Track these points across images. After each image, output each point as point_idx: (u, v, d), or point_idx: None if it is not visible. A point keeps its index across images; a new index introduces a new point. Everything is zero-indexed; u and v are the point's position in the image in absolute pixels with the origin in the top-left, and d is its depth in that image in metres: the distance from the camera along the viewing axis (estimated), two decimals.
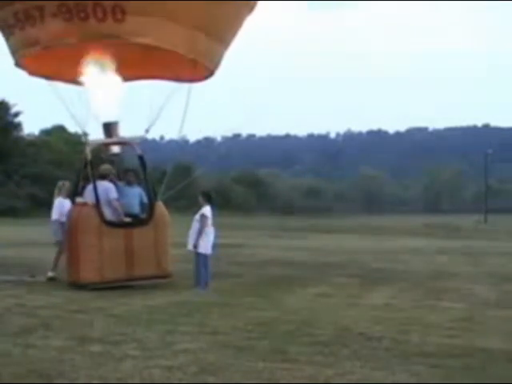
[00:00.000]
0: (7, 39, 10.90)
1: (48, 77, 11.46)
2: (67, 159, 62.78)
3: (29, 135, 66.08)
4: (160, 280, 11.01)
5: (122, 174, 11.81)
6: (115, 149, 11.45)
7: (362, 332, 7.28)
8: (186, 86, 11.01)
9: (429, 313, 8.76)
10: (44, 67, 11.34)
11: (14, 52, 10.92)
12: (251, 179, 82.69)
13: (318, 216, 64.36)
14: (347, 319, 8.10)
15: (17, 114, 61.87)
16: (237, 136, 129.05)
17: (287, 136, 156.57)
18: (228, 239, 21.23)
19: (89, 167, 10.96)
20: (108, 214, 10.78)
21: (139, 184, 11.66)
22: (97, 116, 11.15)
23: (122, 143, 11.47)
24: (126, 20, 9.83)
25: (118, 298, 9.56)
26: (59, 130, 70.78)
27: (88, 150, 11.03)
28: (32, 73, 11.59)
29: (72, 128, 75.05)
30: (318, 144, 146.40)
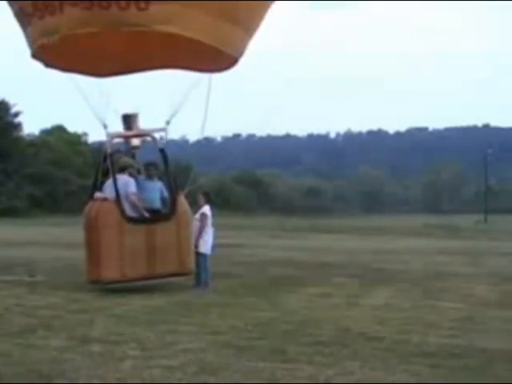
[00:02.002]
0: (24, 30, 10.60)
1: (65, 69, 11.11)
2: (67, 159, 62.93)
3: (29, 135, 66.16)
4: (182, 277, 10.79)
5: (143, 168, 11.40)
6: (135, 141, 11.12)
7: (362, 332, 7.28)
8: (207, 76, 10.75)
9: (429, 313, 8.76)
10: (61, 59, 10.98)
11: (32, 42, 10.56)
12: (251, 179, 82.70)
13: (318, 216, 64.34)
14: (347, 319, 8.10)
15: (17, 114, 61.95)
16: (237, 136, 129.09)
17: (287, 136, 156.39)
18: (228, 239, 21.22)
19: (108, 160, 10.59)
20: (128, 209, 10.45)
21: (160, 178, 11.31)
22: (116, 108, 10.81)
23: (143, 135, 11.11)
24: (149, 8, 9.54)
25: (118, 298, 9.56)
26: (59, 129, 70.93)
27: (108, 143, 10.71)
28: (49, 64, 11.22)
29: (72, 128, 75.37)
30: (318, 144, 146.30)
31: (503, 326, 8.01)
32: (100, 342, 6.62)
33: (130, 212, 10.47)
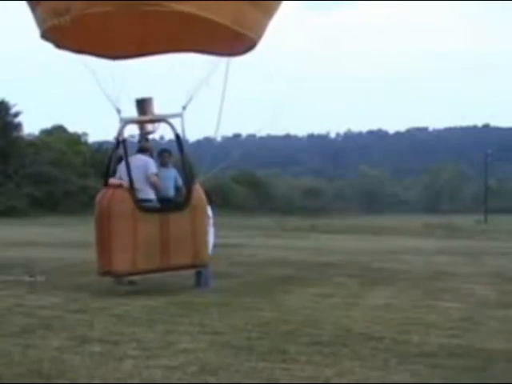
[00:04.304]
0: (33, 10, 10.19)
1: (76, 50, 10.68)
2: (67, 159, 63.00)
3: (29, 135, 66.26)
4: (195, 269, 10.55)
5: (156, 155, 11.02)
6: (149, 127, 10.72)
7: (362, 332, 7.27)
8: (224, 60, 10.34)
9: (429, 313, 8.75)
10: (72, 40, 10.47)
11: (41, 22, 10.12)
12: (251, 179, 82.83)
13: (317, 216, 64.35)
14: (347, 319, 8.09)
15: (17, 114, 62.11)
16: (237, 136, 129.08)
17: (287, 136, 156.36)
18: (228, 239, 21.23)
19: (122, 147, 10.18)
20: (146, 191, 10.09)
21: (174, 166, 10.98)
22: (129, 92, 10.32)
23: (158, 121, 10.66)
24: None
25: (118, 298, 9.55)
26: (59, 129, 71.06)
27: (121, 129, 10.23)
28: (60, 46, 10.80)
29: (72, 128, 75.48)
30: (318, 144, 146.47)
31: (503, 326, 8.00)
32: (100, 341, 6.61)
33: (148, 194, 10.13)
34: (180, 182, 10.81)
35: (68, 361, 5.87)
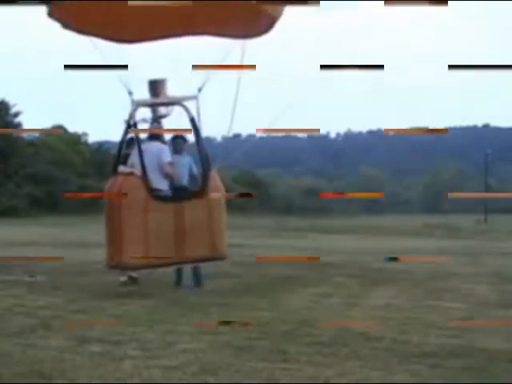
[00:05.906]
0: None
1: (83, 31, 10.18)
2: (67, 159, 63.05)
3: (29, 135, 66.36)
4: (212, 262, 10.26)
5: (170, 141, 10.61)
6: (162, 110, 10.22)
7: (362, 332, 7.27)
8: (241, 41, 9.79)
9: (429, 313, 8.75)
10: (79, 19, 9.92)
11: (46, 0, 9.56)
12: (251, 179, 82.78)
13: (317, 216, 64.32)
14: (347, 319, 8.09)
15: (17, 114, 62.18)
16: (237, 136, 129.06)
17: (287, 136, 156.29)
18: (228, 239, 21.17)
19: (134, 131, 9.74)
20: (159, 179, 9.65)
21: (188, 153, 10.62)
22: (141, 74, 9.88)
23: (172, 103, 10.11)
24: None
25: (118, 298, 9.55)
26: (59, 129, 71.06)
27: (133, 112, 9.74)
28: (67, 26, 10.21)
29: (72, 128, 75.61)
30: (318, 144, 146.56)
31: (503, 326, 8.00)
32: (100, 341, 6.61)
33: (161, 184, 9.73)
34: (195, 170, 10.48)
35: (68, 361, 5.87)
